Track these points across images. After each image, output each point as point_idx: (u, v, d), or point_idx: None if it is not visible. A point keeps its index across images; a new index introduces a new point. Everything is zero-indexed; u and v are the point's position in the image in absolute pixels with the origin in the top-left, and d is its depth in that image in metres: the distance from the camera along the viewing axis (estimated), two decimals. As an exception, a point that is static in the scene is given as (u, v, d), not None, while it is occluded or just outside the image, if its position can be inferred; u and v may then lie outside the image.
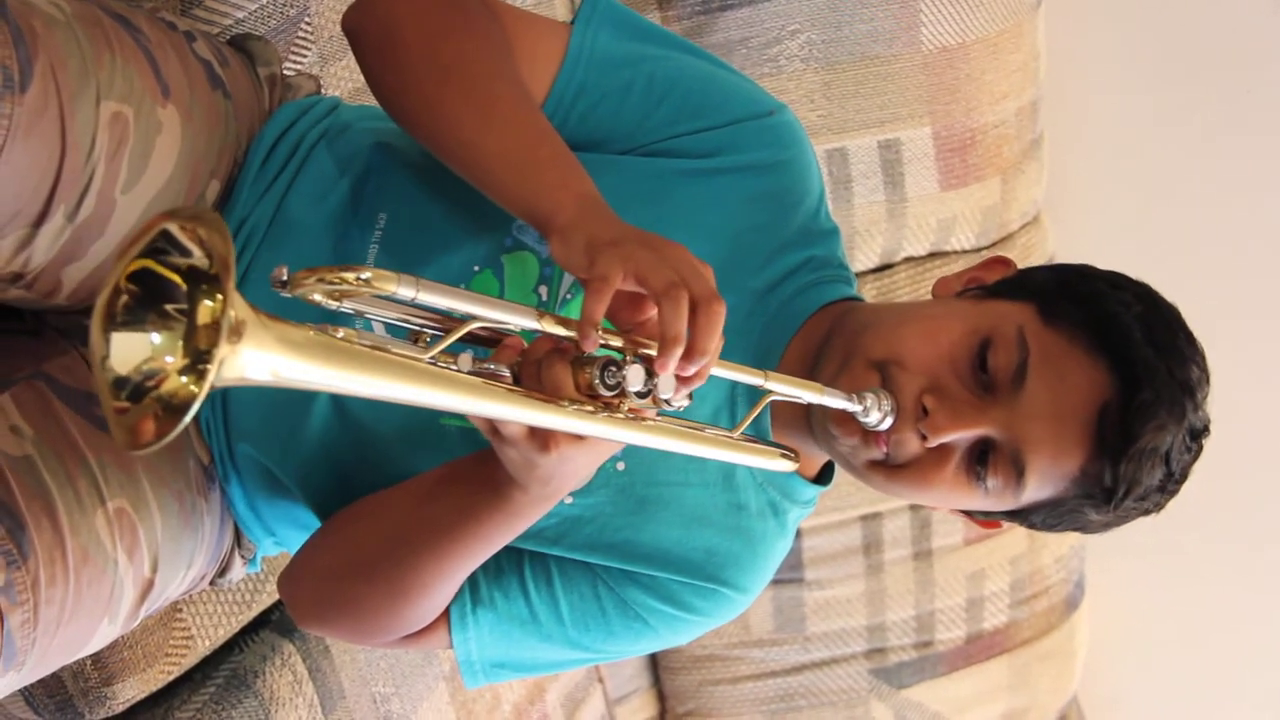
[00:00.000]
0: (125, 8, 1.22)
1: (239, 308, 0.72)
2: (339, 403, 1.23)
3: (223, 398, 1.26)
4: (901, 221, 2.26)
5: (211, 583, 1.39)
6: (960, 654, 2.48)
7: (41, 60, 1.07)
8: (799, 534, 2.37)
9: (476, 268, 1.21)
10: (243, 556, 1.40)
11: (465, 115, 1.09)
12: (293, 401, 1.23)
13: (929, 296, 1.28)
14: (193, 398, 0.71)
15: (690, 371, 0.93)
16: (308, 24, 1.56)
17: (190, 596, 1.49)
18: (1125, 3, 2.40)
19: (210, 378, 0.71)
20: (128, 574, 1.20)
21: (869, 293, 2.30)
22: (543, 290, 1.21)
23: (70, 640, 1.17)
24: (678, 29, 2.10)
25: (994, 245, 2.32)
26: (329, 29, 1.59)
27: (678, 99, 1.22)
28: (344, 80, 1.64)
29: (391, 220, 1.23)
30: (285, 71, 1.42)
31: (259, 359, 0.74)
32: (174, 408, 0.72)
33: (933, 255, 2.33)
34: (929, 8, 2.12)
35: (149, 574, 1.22)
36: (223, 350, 0.71)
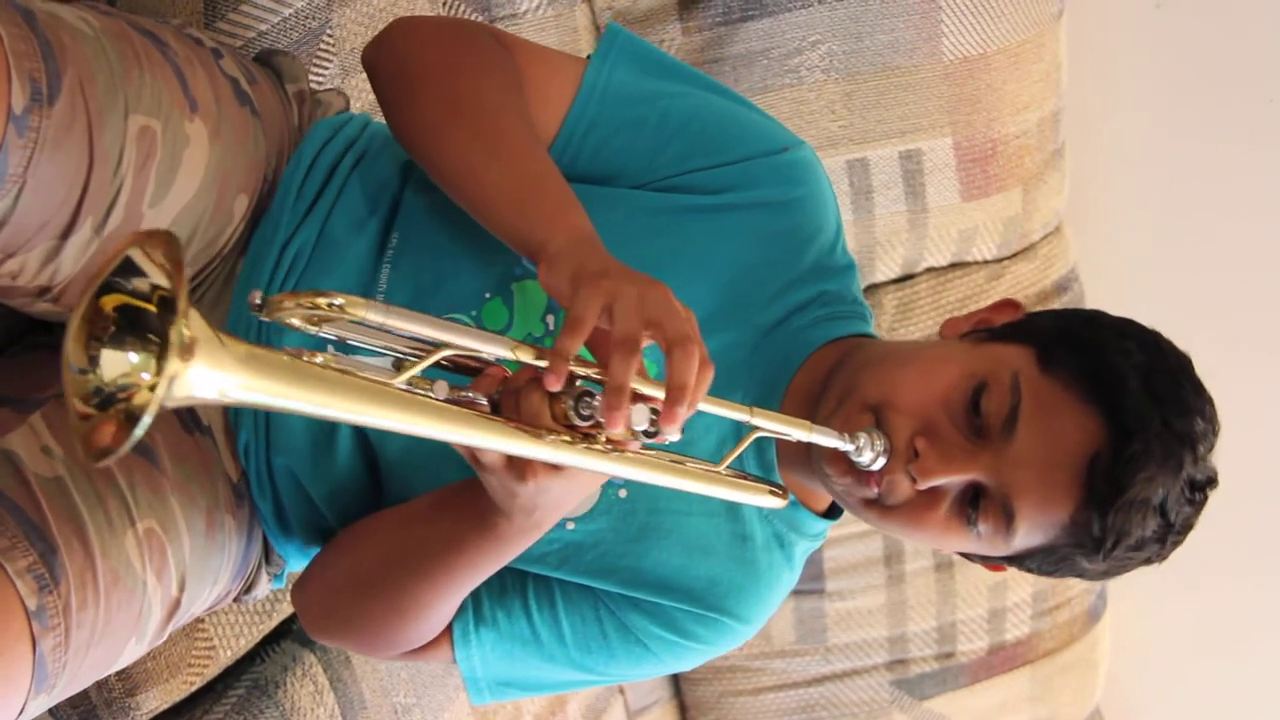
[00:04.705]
0: (152, 23, 1.22)
1: (193, 325, 0.72)
2: (356, 427, 1.23)
3: (266, 418, 1.26)
4: (923, 232, 2.25)
5: (236, 599, 1.39)
6: (982, 665, 2.47)
7: (70, 74, 1.07)
8: (820, 544, 2.36)
9: (488, 295, 1.21)
10: (269, 573, 1.40)
11: (470, 147, 1.11)
12: (325, 423, 1.23)
13: (937, 337, 1.27)
14: (144, 410, 0.72)
15: (674, 418, 0.93)
16: (329, 36, 1.57)
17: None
18: (1147, 13, 2.39)
19: (160, 393, 0.71)
20: (156, 594, 1.20)
21: (890, 303, 2.29)
22: (549, 320, 1.21)
23: (98, 661, 1.17)
24: (698, 40, 2.10)
25: (1015, 255, 2.31)
26: (350, 41, 1.60)
27: (691, 135, 1.23)
28: (365, 92, 1.64)
29: (403, 242, 1.24)
30: (311, 86, 1.42)
31: (209, 377, 0.74)
32: (133, 418, 0.73)
33: (954, 265, 2.32)
34: (950, 18, 2.11)
35: (176, 593, 1.22)
36: (173, 366, 0.71)
